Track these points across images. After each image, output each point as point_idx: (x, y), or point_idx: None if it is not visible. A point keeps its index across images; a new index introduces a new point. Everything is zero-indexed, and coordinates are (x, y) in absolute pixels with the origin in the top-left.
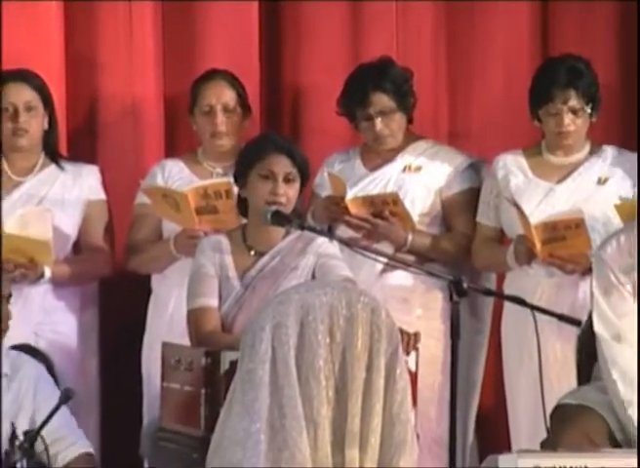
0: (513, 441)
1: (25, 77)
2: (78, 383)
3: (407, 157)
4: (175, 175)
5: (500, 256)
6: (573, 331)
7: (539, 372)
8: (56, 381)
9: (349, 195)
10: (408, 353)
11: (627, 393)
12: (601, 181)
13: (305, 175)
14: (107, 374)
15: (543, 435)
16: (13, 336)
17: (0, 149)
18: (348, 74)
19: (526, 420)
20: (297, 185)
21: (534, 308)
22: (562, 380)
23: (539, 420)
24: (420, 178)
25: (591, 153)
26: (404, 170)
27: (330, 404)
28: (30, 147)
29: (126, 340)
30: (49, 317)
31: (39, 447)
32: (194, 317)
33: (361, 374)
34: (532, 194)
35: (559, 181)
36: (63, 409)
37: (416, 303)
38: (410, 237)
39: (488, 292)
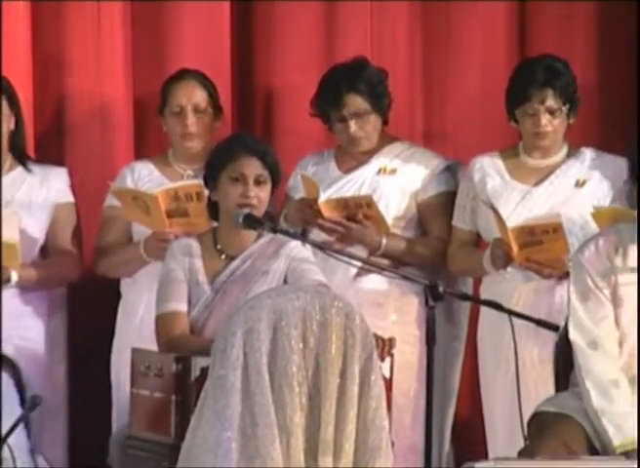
0: (490, 448)
1: None
2: (45, 390)
3: (382, 159)
4: (144, 177)
5: (476, 261)
6: (550, 337)
7: (516, 379)
8: (23, 388)
9: (322, 198)
10: (383, 359)
11: (601, 402)
12: (579, 184)
13: (277, 177)
14: (76, 381)
15: (520, 442)
16: None
17: None
18: (322, 75)
19: (503, 427)
20: (268, 187)
21: (511, 313)
22: (539, 387)
23: (515, 427)
24: (395, 181)
25: (569, 155)
26: (379, 172)
27: (303, 411)
28: None
29: (95, 346)
30: (16, 322)
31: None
32: (162, 322)
33: (335, 381)
34: (509, 197)
35: (536, 184)
36: None
37: (390, 308)
38: (384, 240)
39: (464, 297)
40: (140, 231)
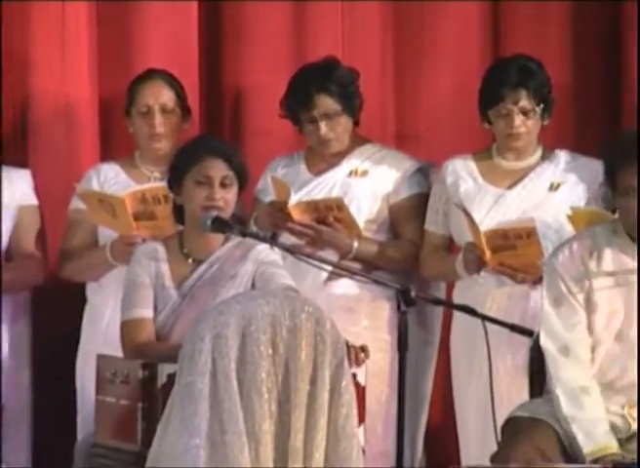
0: (463, 456)
1: None
2: (9, 396)
3: (353, 161)
4: (111, 179)
5: (448, 265)
6: (523, 342)
7: (489, 385)
8: None
9: (293, 200)
10: (357, 365)
11: (570, 409)
12: (553, 187)
13: (243, 179)
14: (40, 387)
15: (493, 448)
16: None
17: None
18: (292, 75)
19: (476, 434)
20: (234, 189)
21: (484, 318)
22: (512, 392)
23: (488, 434)
24: (367, 183)
25: (543, 158)
26: (350, 174)
27: (272, 418)
28: None
29: (59, 352)
30: None
31: None
32: (127, 329)
33: (305, 387)
34: (482, 200)
35: (510, 187)
36: None
37: (362, 313)
38: (355, 244)
39: (437, 302)
40: (107, 234)
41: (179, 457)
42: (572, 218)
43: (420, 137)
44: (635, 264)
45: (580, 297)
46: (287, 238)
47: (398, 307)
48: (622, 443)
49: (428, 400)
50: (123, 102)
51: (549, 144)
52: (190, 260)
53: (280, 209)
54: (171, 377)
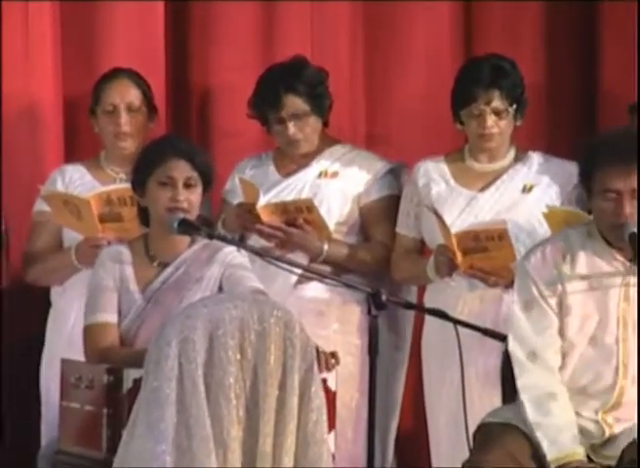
0: (434, 461)
1: None
2: None
3: (323, 162)
4: (75, 180)
5: (420, 269)
6: (495, 346)
7: (461, 389)
8: None
9: (261, 202)
10: (328, 370)
11: (535, 415)
12: (526, 189)
13: (208, 180)
14: (3, 393)
15: (465, 454)
16: None
17: None
18: (260, 74)
19: (447, 439)
20: (199, 190)
21: (456, 322)
22: (484, 397)
23: (460, 439)
24: (337, 185)
25: (516, 160)
26: (320, 175)
27: (240, 423)
28: None
29: (23, 356)
30: None
31: None
32: (90, 334)
33: (273, 392)
34: (453, 203)
35: (482, 189)
36: None
37: (332, 317)
38: (325, 246)
39: (408, 306)
40: (72, 237)
41: (145, 464)
42: (547, 217)
43: (391, 138)
44: (609, 268)
45: (553, 301)
46: (256, 241)
47: (369, 311)
48: (596, 448)
49: (399, 405)
50: (88, 103)
51: (522, 146)
52: (156, 263)
53: (248, 210)
54: (137, 382)
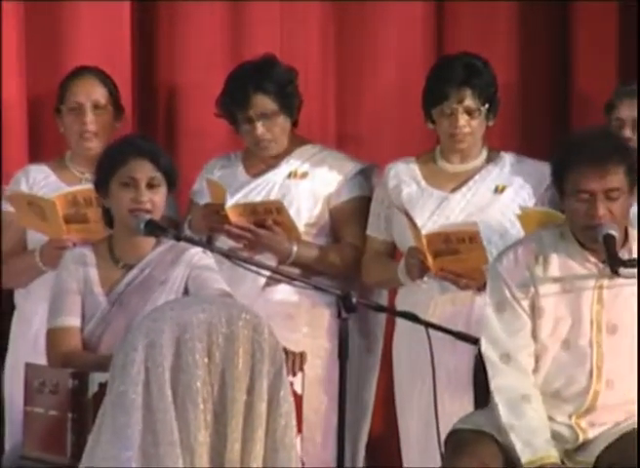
0: (405, 466)
1: None
2: None
3: (292, 162)
4: (40, 181)
5: (391, 272)
6: (467, 350)
7: (432, 394)
8: None
9: (230, 202)
10: (294, 374)
11: (509, 417)
12: (498, 190)
13: (172, 180)
14: None
15: (436, 459)
16: None
17: None
18: (229, 73)
19: (418, 444)
20: (162, 191)
21: (427, 325)
22: (456, 402)
23: (431, 444)
24: (307, 186)
25: (488, 160)
26: (289, 176)
27: (208, 429)
28: None
29: None
30: None
31: None
32: (53, 338)
33: (242, 397)
34: (424, 204)
35: (454, 190)
36: None
37: (301, 320)
38: (295, 248)
39: (379, 308)
40: (36, 238)
41: None
42: (521, 219)
43: (362, 139)
44: (582, 270)
45: (525, 303)
46: (224, 242)
47: (339, 314)
48: (570, 453)
49: (371, 409)
50: (53, 103)
51: (495, 146)
52: (120, 265)
53: (216, 211)
54: (102, 387)
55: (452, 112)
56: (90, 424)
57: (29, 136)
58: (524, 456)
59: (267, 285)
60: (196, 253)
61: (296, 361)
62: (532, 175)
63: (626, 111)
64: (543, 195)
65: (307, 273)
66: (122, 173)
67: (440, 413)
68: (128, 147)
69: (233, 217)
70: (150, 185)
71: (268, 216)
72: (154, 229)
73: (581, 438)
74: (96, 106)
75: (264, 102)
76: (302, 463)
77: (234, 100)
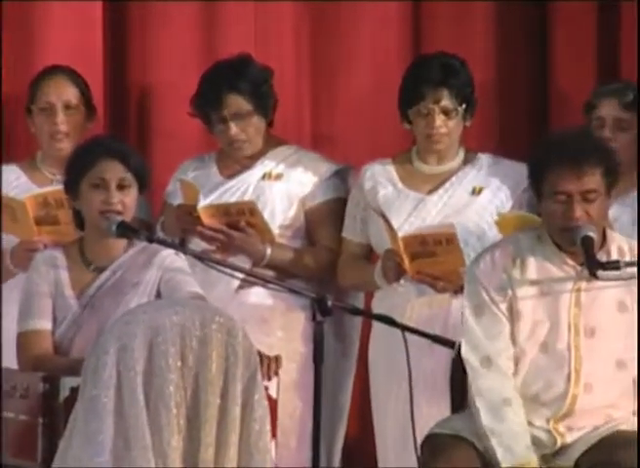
0: None
1: None
2: None
3: (267, 164)
4: (11, 182)
5: (367, 274)
6: (444, 353)
7: (409, 398)
8: None
9: (203, 203)
10: (269, 378)
11: (490, 422)
12: (475, 192)
13: (143, 181)
14: None
15: (413, 463)
16: None
17: None
18: (203, 72)
19: (395, 448)
20: (133, 192)
21: (404, 328)
22: (433, 406)
23: (408, 448)
24: (282, 187)
25: (465, 162)
26: (263, 177)
27: (181, 433)
28: None
29: None
30: None
31: None
32: (23, 341)
33: (215, 401)
34: (401, 206)
35: (430, 192)
36: None
37: (276, 323)
38: (268, 250)
39: (354, 311)
40: (7, 240)
41: None
42: (499, 224)
43: (337, 139)
44: (560, 273)
45: (503, 306)
46: (197, 245)
47: (314, 317)
48: (548, 458)
49: (346, 413)
50: (24, 103)
51: (472, 147)
52: (92, 268)
53: (189, 212)
54: (74, 391)
55: (428, 112)
56: (61, 429)
57: (2, 137)
58: (505, 462)
59: (241, 287)
60: (168, 256)
61: (271, 365)
62: (509, 176)
63: (607, 110)
64: (521, 197)
65: (282, 276)
66: (92, 174)
67: (417, 417)
68: (97, 148)
69: (205, 219)
70: (121, 186)
71: (241, 218)
72: (126, 231)
73: (560, 442)
74: (67, 106)
75: (239, 102)
76: None
77: (208, 100)
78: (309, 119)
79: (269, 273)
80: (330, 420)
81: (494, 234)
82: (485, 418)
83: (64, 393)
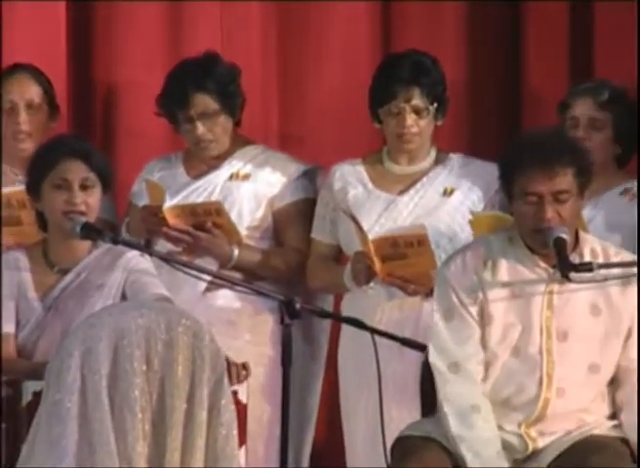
0: None
1: None
2: None
3: (234, 164)
4: None
5: (336, 276)
6: (414, 357)
7: (379, 402)
8: None
9: (168, 204)
10: (239, 382)
11: (459, 428)
12: (447, 193)
13: (106, 180)
14: None
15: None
16: None
17: None
18: (169, 71)
19: (364, 454)
20: (97, 192)
21: (374, 331)
22: (403, 409)
23: (378, 452)
24: (249, 187)
25: (437, 162)
26: (231, 178)
27: (146, 438)
28: None
29: None
30: None
31: None
32: None
33: (181, 406)
34: (371, 207)
35: (401, 193)
36: None
37: (243, 326)
38: (236, 252)
39: (323, 314)
40: None
41: None
42: (473, 224)
43: (306, 139)
44: (532, 275)
45: (473, 310)
46: (162, 246)
47: (282, 320)
48: (519, 463)
49: (315, 416)
50: None
51: (443, 147)
52: (55, 270)
53: (154, 213)
54: (37, 395)
55: (399, 111)
56: (24, 434)
57: None
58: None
59: (208, 290)
60: (133, 257)
61: (239, 373)
62: (481, 176)
63: (581, 110)
64: (493, 198)
65: (250, 278)
66: (54, 174)
67: (387, 421)
68: (59, 147)
69: (171, 219)
70: (84, 187)
71: (208, 218)
72: (90, 232)
73: (531, 447)
74: (29, 106)
75: (205, 101)
76: None
77: (174, 99)
78: (277, 119)
79: (237, 275)
80: (298, 424)
81: (465, 236)
82: (453, 425)
83: (27, 397)
